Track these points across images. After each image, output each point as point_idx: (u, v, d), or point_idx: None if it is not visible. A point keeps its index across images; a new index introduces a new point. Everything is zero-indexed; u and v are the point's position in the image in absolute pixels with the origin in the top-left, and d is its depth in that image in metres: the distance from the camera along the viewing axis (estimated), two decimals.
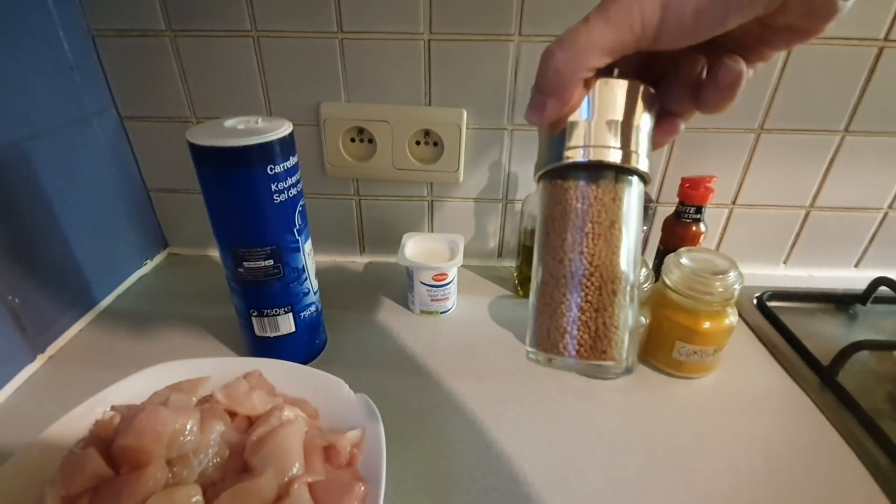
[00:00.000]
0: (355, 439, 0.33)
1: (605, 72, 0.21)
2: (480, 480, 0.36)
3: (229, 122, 0.39)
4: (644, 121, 0.21)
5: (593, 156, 0.21)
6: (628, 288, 0.21)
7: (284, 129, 0.38)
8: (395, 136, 0.56)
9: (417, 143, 0.57)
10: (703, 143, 0.56)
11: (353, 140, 0.58)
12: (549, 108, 0.20)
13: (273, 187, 0.38)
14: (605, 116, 0.21)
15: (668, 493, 0.36)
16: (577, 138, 0.21)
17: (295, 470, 0.30)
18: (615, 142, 0.21)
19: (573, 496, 0.35)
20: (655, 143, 0.23)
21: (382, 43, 0.52)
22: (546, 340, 0.22)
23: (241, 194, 0.38)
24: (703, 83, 0.21)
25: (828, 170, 0.58)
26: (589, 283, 0.21)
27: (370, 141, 0.57)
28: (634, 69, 0.22)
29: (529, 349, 0.23)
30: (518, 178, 0.59)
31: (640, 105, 0.21)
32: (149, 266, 0.64)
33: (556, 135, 0.21)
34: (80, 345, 0.50)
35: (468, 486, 0.36)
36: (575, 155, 0.21)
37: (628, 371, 0.22)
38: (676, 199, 0.52)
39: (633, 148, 0.21)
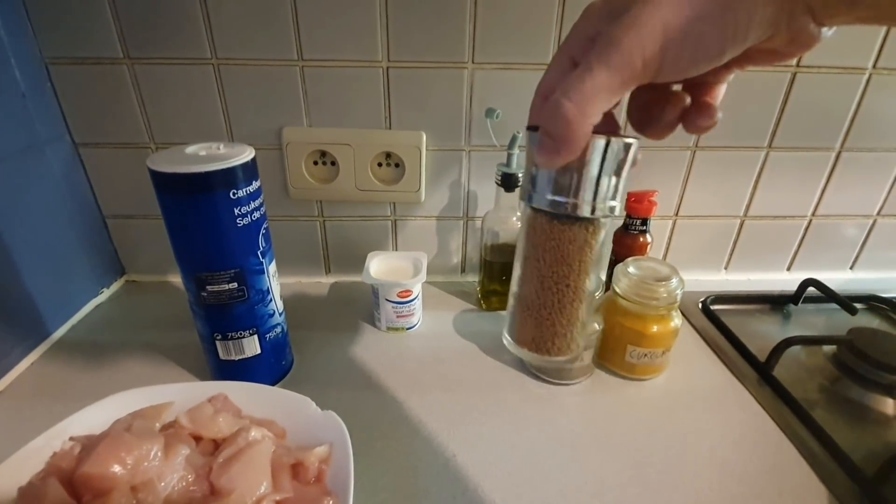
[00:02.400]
0: (323, 455, 0.33)
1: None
2: (448, 488, 0.37)
3: (191, 149, 0.40)
4: (626, 170, 0.23)
5: (572, 212, 0.24)
6: (589, 304, 0.27)
7: (246, 154, 0.39)
8: (357, 158, 0.58)
9: (379, 164, 0.59)
10: (645, 161, 0.61)
11: (315, 163, 0.59)
12: (562, 155, 0.21)
13: (236, 211, 0.39)
14: (595, 171, 0.23)
15: (624, 488, 0.38)
16: (571, 188, 0.23)
17: (262, 489, 0.30)
18: (606, 195, 0.23)
19: (537, 497, 0.37)
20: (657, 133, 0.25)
21: (342, 70, 0.54)
22: (530, 343, 0.27)
23: (204, 219, 0.38)
24: (687, 113, 0.23)
25: (756, 182, 0.63)
26: (566, 308, 0.26)
27: (333, 163, 0.59)
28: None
29: (510, 342, 0.28)
30: (477, 196, 0.62)
31: (626, 157, 0.23)
32: (105, 294, 0.62)
33: (553, 175, 0.23)
34: (32, 379, 0.48)
35: (437, 494, 0.37)
36: (564, 204, 0.24)
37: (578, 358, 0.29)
38: (624, 213, 0.56)
39: (616, 199, 0.24)
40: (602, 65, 0.19)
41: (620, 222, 0.57)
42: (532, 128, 0.23)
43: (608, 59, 0.19)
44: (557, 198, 0.24)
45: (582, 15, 0.21)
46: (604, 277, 0.26)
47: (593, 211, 0.23)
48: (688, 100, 0.24)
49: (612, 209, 0.24)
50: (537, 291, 0.26)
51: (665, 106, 0.24)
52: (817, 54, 0.55)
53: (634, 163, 0.24)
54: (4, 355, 0.48)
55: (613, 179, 0.23)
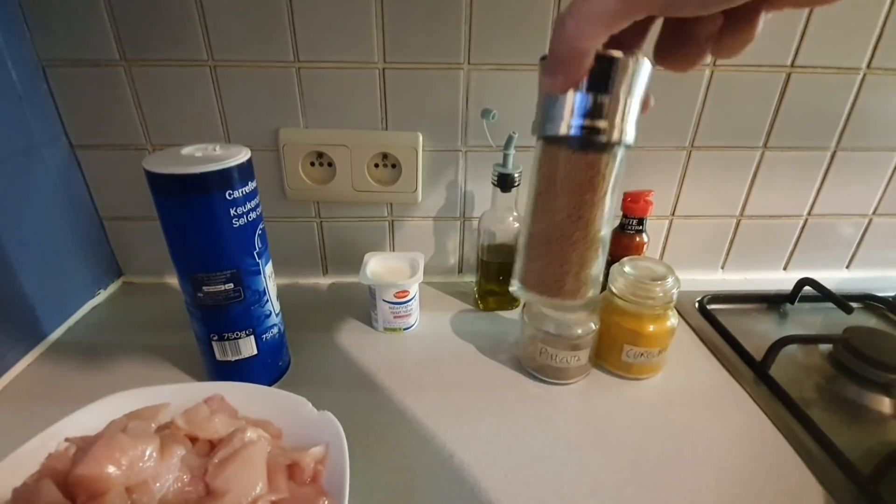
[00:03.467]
0: (319, 455, 0.33)
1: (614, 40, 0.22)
2: (445, 489, 0.37)
3: (187, 150, 0.40)
4: (638, 93, 0.22)
5: (588, 135, 0.22)
6: (602, 245, 0.25)
7: (242, 155, 0.39)
8: (353, 159, 0.58)
9: (376, 165, 0.59)
10: (641, 161, 0.61)
11: (312, 164, 0.59)
12: (561, 77, 0.21)
13: (232, 212, 0.39)
14: (606, 91, 0.22)
15: (621, 488, 0.38)
16: (581, 110, 0.22)
17: (258, 490, 0.30)
18: (618, 117, 0.22)
19: (534, 497, 0.37)
20: (679, 65, 0.24)
21: (338, 71, 0.54)
22: (539, 285, 0.26)
23: (200, 220, 0.38)
24: (724, 28, 0.21)
25: (752, 182, 0.63)
26: (578, 244, 0.25)
27: (330, 164, 0.59)
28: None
29: (518, 285, 0.27)
30: (474, 196, 0.62)
31: (637, 78, 0.22)
32: (102, 296, 0.62)
33: (561, 100, 0.22)
34: (29, 380, 0.48)
35: (433, 495, 0.37)
36: (577, 127, 0.22)
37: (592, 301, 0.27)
38: (621, 213, 0.56)
39: (627, 123, 0.23)
40: None
41: (615, 222, 0.57)
42: (544, 57, 0.23)
43: None
44: (569, 122, 0.22)
45: None
46: (611, 224, 0.26)
47: (606, 136, 0.22)
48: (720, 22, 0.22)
49: (624, 135, 0.23)
50: (548, 227, 0.25)
51: (695, 26, 0.22)
52: (812, 54, 0.55)
53: (647, 99, 0.23)
54: (2, 356, 0.48)
55: (626, 102, 0.22)
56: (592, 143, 0.23)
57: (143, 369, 0.49)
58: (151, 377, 0.48)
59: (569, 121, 0.23)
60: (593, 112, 0.22)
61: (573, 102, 0.22)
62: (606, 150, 0.23)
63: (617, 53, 0.21)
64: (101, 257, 0.63)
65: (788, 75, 0.57)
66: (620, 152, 0.24)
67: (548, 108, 0.23)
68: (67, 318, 0.57)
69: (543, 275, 0.26)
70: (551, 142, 0.24)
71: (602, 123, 0.22)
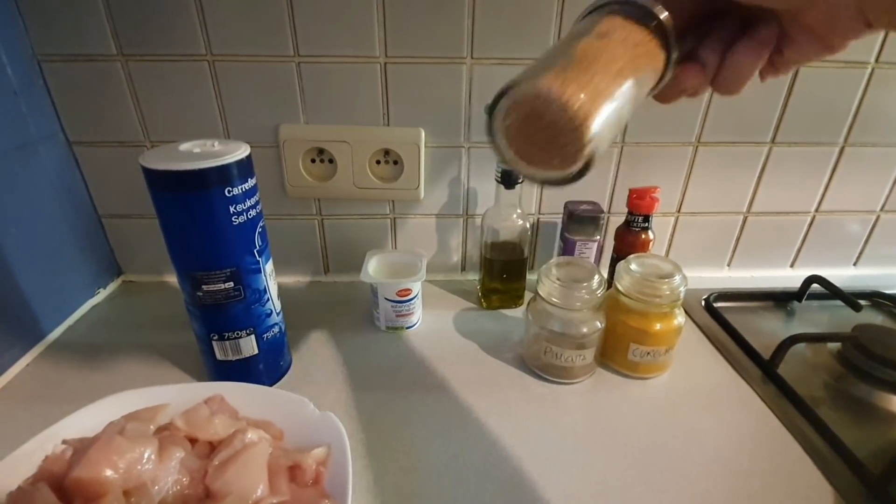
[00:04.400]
0: (321, 457, 0.33)
1: None
2: (449, 490, 0.37)
3: (185, 146, 0.39)
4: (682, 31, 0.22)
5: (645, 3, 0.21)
6: (625, 115, 0.21)
7: (242, 151, 0.38)
8: (354, 155, 0.57)
9: (378, 162, 0.59)
10: (647, 157, 0.60)
11: (313, 161, 0.58)
12: None
13: (231, 209, 0.38)
14: None
15: (628, 489, 0.37)
16: None
17: (259, 492, 0.29)
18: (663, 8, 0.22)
19: (539, 498, 0.36)
20: (669, 93, 0.25)
21: (339, 66, 0.53)
22: (519, 80, 0.20)
23: (198, 218, 0.38)
24: (737, 42, 0.23)
25: (760, 178, 0.63)
26: (591, 67, 0.20)
27: (330, 161, 0.58)
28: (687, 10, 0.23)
29: (497, 101, 0.21)
30: (477, 193, 0.61)
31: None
32: (102, 295, 0.61)
33: None
34: (27, 380, 0.47)
35: (437, 496, 0.36)
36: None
37: (586, 164, 0.20)
38: (626, 210, 0.56)
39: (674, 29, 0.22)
40: None
41: (620, 219, 0.56)
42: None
43: None
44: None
45: None
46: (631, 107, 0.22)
47: (662, 14, 0.21)
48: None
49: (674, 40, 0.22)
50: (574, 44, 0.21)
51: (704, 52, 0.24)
52: None
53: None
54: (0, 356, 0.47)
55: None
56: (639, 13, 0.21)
57: (143, 369, 0.49)
58: (151, 377, 0.48)
59: None
60: None
61: None
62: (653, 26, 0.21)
63: None
64: (101, 256, 0.62)
65: (797, 70, 0.56)
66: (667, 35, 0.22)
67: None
68: (67, 318, 0.56)
69: (543, 72, 0.20)
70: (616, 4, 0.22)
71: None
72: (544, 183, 0.23)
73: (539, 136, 0.20)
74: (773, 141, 0.60)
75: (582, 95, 0.19)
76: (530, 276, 0.61)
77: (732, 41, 0.24)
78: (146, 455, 0.28)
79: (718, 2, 0.23)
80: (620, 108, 0.21)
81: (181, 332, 0.48)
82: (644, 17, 0.22)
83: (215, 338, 0.43)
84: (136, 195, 0.59)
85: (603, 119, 0.20)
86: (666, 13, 0.22)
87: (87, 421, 0.34)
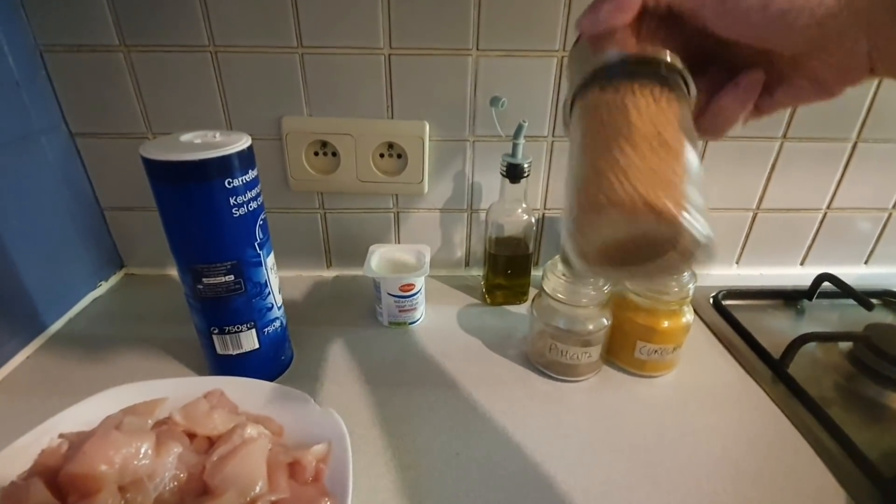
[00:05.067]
0: (321, 454, 0.32)
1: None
2: (451, 488, 0.36)
3: (185, 137, 0.38)
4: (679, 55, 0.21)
5: (656, 56, 0.20)
6: (696, 172, 0.19)
7: (243, 142, 0.38)
8: (358, 149, 0.56)
9: (381, 155, 0.58)
10: None
11: (316, 154, 0.58)
12: (604, 12, 0.20)
13: (232, 201, 0.37)
14: (652, 46, 0.20)
15: (633, 489, 0.37)
16: (630, 56, 0.20)
17: (258, 489, 0.29)
18: (669, 56, 0.20)
19: (543, 497, 0.36)
20: None
21: (343, 57, 0.52)
22: (595, 201, 0.18)
23: (198, 209, 0.37)
24: (723, 89, 0.22)
25: (770, 174, 0.61)
26: (660, 150, 0.19)
27: (334, 154, 0.57)
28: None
29: (571, 226, 0.20)
30: (482, 187, 0.61)
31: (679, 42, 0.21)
32: (103, 287, 0.61)
33: (604, 55, 0.20)
34: (27, 373, 0.47)
35: (439, 494, 0.36)
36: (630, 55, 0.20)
37: (709, 248, 0.18)
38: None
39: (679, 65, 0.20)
40: None
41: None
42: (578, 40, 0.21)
43: None
44: (594, 65, 0.20)
45: None
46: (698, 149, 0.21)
47: (674, 61, 0.20)
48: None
49: (685, 73, 0.20)
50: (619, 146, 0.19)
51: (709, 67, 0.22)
52: None
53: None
54: (0, 348, 0.47)
55: (659, 49, 0.20)
56: (662, 70, 0.20)
57: (143, 362, 0.49)
58: (152, 370, 0.47)
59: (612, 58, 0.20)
60: (643, 56, 0.20)
61: (621, 54, 0.20)
62: (671, 83, 0.20)
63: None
64: (103, 248, 0.62)
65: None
66: (684, 87, 0.21)
67: (586, 66, 0.21)
68: (68, 310, 0.56)
69: (619, 178, 0.18)
70: (599, 82, 0.20)
71: (663, 53, 0.20)
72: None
73: (641, 250, 0.19)
74: (784, 136, 0.59)
75: (663, 199, 0.17)
76: (535, 272, 0.61)
77: (718, 84, 0.22)
78: (143, 450, 0.28)
79: (706, 45, 0.21)
80: (694, 169, 0.19)
81: (182, 325, 0.47)
82: (653, 72, 0.20)
83: (216, 331, 0.42)
84: (138, 188, 0.58)
85: (691, 199, 0.18)
86: (666, 54, 0.21)
87: (84, 414, 0.33)
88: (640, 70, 0.20)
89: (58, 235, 0.55)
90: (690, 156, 0.19)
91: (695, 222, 0.17)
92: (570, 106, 0.22)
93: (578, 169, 0.20)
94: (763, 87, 0.22)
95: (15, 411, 0.42)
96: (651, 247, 0.18)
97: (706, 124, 0.23)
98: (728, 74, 0.22)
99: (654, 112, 0.19)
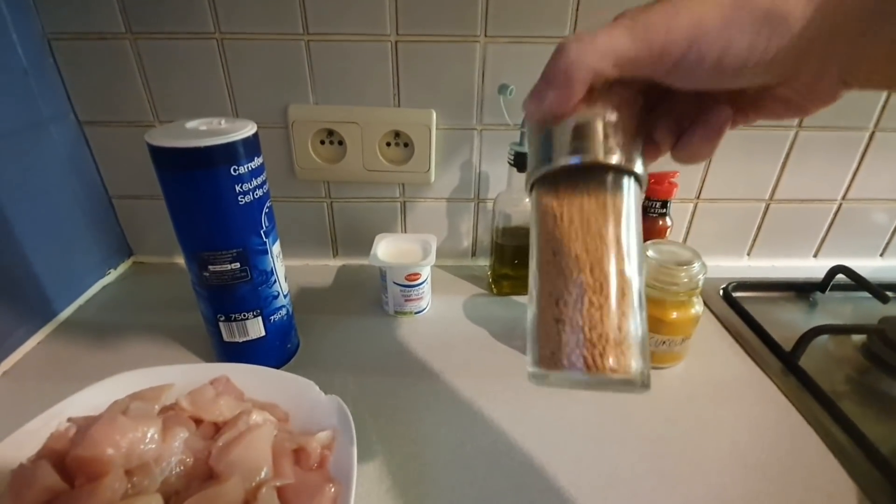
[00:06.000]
0: (326, 441, 0.32)
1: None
2: (456, 477, 0.36)
3: (191, 124, 0.38)
4: (637, 129, 0.21)
5: (595, 158, 0.20)
6: (636, 296, 0.20)
7: (248, 129, 0.37)
8: (364, 137, 0.56)
9: (388, 144, 0.57)
10: None
11: (322, 142, 0.57)
12: (549, 99, 0.20)
13: (237, 188, 0.37)
14: (602, 120, 0.20)
15: (640, 481, 0.36)
16: (576, 140, 0.20)
17: (263, 474, 0.29)
18: (614, 145, 0.20)
19: (548, 488, 0.35)
20: None
21: (349, 44, 0.52)
22: (562, 360, 0.20)
23: (204, 196, 0.37)
24: (691, 126, 0.22)
25: (784, 164, 0.60)
26: (595, 298, 0.20)
27: (340, 143, 0.57)
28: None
29: (534, 368, 0.22)
30: (489, 177, 0.60)
31: (634, 113, 0.21)
32: (112, 275, 0.61)
33: (554, 136, 0.21)
34: (38, 358, 0.48)
35: (444, 483, 0.36)
36: (574, 157, 0.20)
37: (644, 385, 0.20)
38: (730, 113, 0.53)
39: (630, 152, 0.20)
40: (624, 28, 0.18)
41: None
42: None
43: (633, 25, 0.18)
44: (549, 154, 0.21)
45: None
46: (644, 271, 0.21)
47: (615, 160, 0.20)
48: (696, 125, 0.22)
49: (631, 162, 0.20)
50: (561, 286, 0.20)
51: (660, 125, 0.22)
52: None
53: (640, 118, 0.22)
54: (10, 334, 0.47)
55: (611, 127, 0.20)
56: (601, 170, 0.20)
57: (151, 349, 0.49)
58: (160, 357, 0.48)
59: (564, 154, 0.20)
60: (589, 140, 0.20)
61: (567, 134, 0.20)
62: (609, 182, 0.20)
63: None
64: (111, 237, 0.62)
65: None
66: (632, 189, 0.21)
67: (541, 149, 0.21)
68: (77, 297, 0.56)
69: (565, 346, 0.20)
70: (548, 184, 0.21)
71: (599, 149, 0.20)
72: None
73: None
74: (799, 125, 0.57)
75: (600, 354, 0.19)
76: None
77: (686, 116, 0.22)
78: (149, 434, 0.28)
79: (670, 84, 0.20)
80: (635, 293, 0.20)
81: (190, 313, 0.48)
82: (598, 177, 0.21)
83: (222, 319, 0.42)
84: (146, 176, 0.58)
85: (635, 335, 0.20)
86: (617, 155, 0.20)
87: (93, 399, 0.34)
88: (584, 176, 0.20)
89: (67, 223, 0.55)
90: (631, 273, 0.20)
91: (636, 372, 0.20)
92: (529, 188, 0.23)
93: (532, 285, 0.22)
94: (736, 110, 0.21)
95: (26, 396, 0.43)
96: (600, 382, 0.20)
97: (679, 157, 0.22)
98: (696, 103, 0.22)
99: (594, 230, 0.20)
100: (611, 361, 0.19)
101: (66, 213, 0.55)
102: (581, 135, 0.20)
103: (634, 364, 0.19)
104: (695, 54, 0.18)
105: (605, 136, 0.20)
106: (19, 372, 0.46)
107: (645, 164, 0.22)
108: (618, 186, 0.21)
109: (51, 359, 0.48)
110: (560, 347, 0.20)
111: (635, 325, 0.20)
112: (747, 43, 0.17)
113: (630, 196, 0.21)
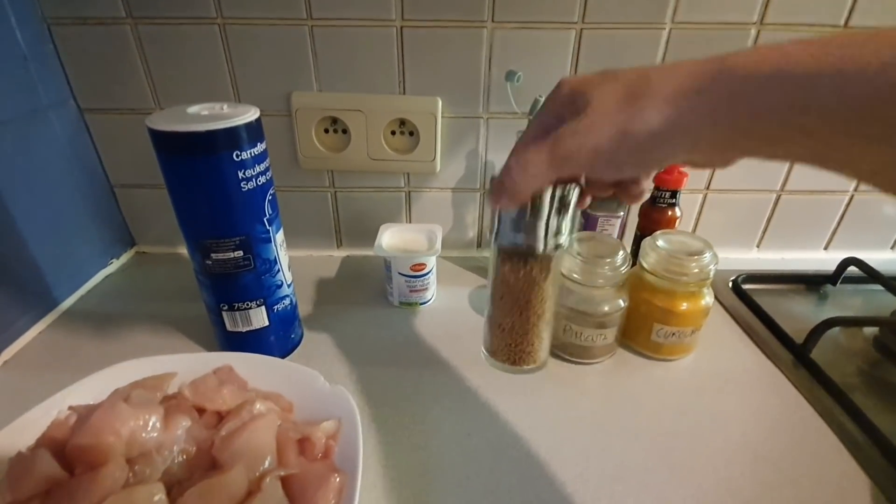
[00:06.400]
0: (331, 430, 0.32)
1: None
2: (461, 469, 0.36)
3: (193, 109, 0.38)
4: (573, 213, 0.28)
5: (531, 244, 0.28)
6: (545, 324, 0.33)
7: (251, 114, 0.37)
8: (369, 125, 0.55)
9: (393, 132, 0.56)
10: None
11: (326, 131, 0.56)
12: (501, 202, 0.26)
13: (240, 174, 0.37)
14: (544, 215, 0.27)
15: (649, 473, 0.36)
16: (515, 231, 0.28)
17: (266, 464, 0.28)
18: (552, 234, 0.28)
19: (555, 480, 0.35)
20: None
21: (354, 30, 0.51)
22: (506, 359, 0.34)
23: (206, 182, 0.36)
24: (615, 192, 0.28)
25: None
26: (532, 329, 0.32)
27: (344, 131, 0.56)
28: None
29: (486, 356, 0.35)
30: (496, 166, 0.59)
31: (572, 201, 0.28)
32: (115, 265, 0.61)
33: (504, 218, 0.29)
34: (40, 348, 0.47)
35: (449, 474, 0.35)
36: (518, 238, 0.29)
37: (539, 370, 0.35)
38: (652, 185, 0.53)
39: (563, 236, 0.28)
40: (547, 150, 0.23)
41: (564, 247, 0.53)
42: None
43: (553, 149, 0.23)
44: (516, 240, 0.29)
45: (556, 87, 0.25)
46: (555, 304, 0.32)
47: (545, 248, 0.28)
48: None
49: (558, 245, 0.29)
50: (506, 317, 0.32)
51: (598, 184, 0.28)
52: (865, 14, 0.50)
53: (579, 203, 0.28)
54: (12, 324, 0.47)
55: (558, 219, 0.27)
56: (533, 255, 0.29)
57: (154, 339, 0.48)
58: (162, 347, 0.47)
59: (508, 236, 0.29)
60: (526, 230, 0.28)
61: (512, 221, 0.28)
62: (547, 257, 0.29)
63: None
64: (114, 226, 0.62)
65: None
66: (557, 255, 0.29)
67: (500, 223, 0.29)
68: (80, 287, 0.56)
69: (507, 352, 0.33)
70: (502, 249, 0.30)
71: (541, 238, 0.28)
72: None
73: None
74: None
75: (526, 357, 0.34)
76: None
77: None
78: (151, 423, 0.27)
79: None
80: (550, 316, 0.33)
81: (193, 303, 0.47)
82: (518, 254, 0.30)
83: (225, 308, 0.42)
84: (148, 165, 0.57)
85: (546, 345, 0.34)
86: (542, 243, 0.28)
87: (95, 388, 0.33)
88: (525, 251, 0.29)
89: (69, 212, 0.54)
90: (547, 310, 0.32)
91: (535, 367, 0.35)
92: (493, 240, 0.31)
93: (488, 302, 0.34)
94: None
95: (27, 386, 0.43)
96: None
97: (627, 201, 0.29)
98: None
99: (527, 287, 0.30)
100: (522, 362, 0.34)
101: (68, 201, 0.54)
102: (520, 227, 0.28)
103: (535, 364, 0.34)
104: (598, 167, 0.23)
105: (533, 230, 0.28)
106: (21, 361, 0.46)
107: (573, 230, 0.31)
108: (547, 258, 0.29)
109: (52, 348, 0.47)
110: (499, 348, 0.34)
111: (539, 340, 0.33)
112: (634, 161, 0.22)
113: (555, 261, 0.30)
